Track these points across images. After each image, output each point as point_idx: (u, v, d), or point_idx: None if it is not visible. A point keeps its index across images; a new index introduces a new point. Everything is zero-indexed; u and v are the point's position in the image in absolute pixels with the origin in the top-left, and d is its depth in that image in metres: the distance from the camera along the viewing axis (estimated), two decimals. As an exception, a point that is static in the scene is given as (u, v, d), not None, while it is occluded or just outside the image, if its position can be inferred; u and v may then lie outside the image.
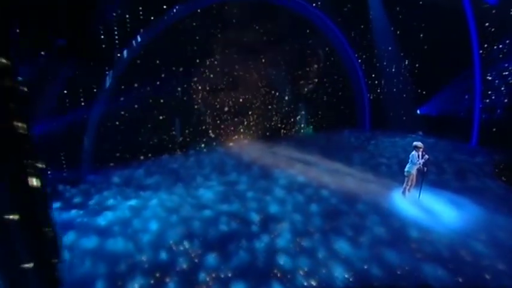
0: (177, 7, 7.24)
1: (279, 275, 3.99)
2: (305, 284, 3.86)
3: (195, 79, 8.65)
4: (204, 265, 4.22)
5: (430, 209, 5.90)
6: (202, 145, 9.42)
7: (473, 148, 10.58)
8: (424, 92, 12.22)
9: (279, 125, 11.02)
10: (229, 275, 3.96)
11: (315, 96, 11.82)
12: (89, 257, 4.31)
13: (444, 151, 10.01)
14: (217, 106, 9.32)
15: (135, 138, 7.96)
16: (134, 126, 7.89)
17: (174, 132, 8.76)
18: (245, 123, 10.02)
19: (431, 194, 6.50)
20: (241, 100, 9.65)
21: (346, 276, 3.99)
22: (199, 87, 8.86)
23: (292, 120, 11.48)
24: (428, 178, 7.32)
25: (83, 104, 6.70)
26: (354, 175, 7.55)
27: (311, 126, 12.07)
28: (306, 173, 7.45)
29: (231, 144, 9.75)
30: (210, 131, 9.34)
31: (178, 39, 7.79)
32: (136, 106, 7.64)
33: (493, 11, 8.93)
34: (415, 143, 6.25)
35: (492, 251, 4.56)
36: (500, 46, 9.99)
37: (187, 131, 8.93)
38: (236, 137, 9.86)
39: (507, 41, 9.82)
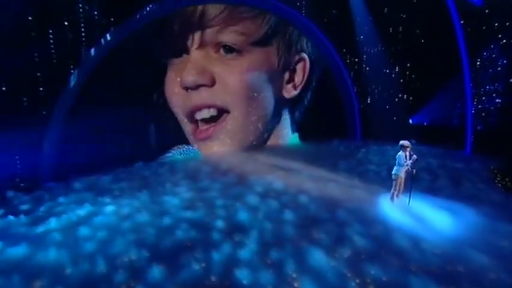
0: (150, 6, 7.01)
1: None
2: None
3: (168, 74, 8.17)
4: (145, 279, 3.52)
5: (420, 216, 5.21)
6: (179, 152, 8.96)
7: (468, 155, 10.08)
8: (414, 100, 11.99)
9: (263, 133, 10.53)
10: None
11: (301, 104, 11.45)
12: (10, 268, 3.66)
13: (437, 158, 9.39)
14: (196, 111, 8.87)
15: (105, 144, 7.45)
16: (104, 131, 7.41)
17: (149, 139, 8.32)
18: (226, 130, 9.54)
19: (423, 200, 5.83)
20: (220, 105, 9.06)
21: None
22: (174, 80, 8.29)
23: (277, 128, 11.04)
24: (421, 184, 6.78)
25: (44, 103, 6.25)
26: (338, 181, 6.89)
27: (296, 134, 11.60)
28: (285, 180, 6.78)
29: (210, 151, 9.18)
30: (188, 138, 8.88)
31: (152, 41, 7.51)
32: (107, 109, 7.20)
33: (480, 14, 8.74)
34: (401, 142, 5.60)
35: (491, 260, 3.90)
36: (489, 50, 9.79)
37: (163, 138, 8.48)
38: (216, 144, 9.21)
39: (495, 45, 9.65)
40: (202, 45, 8.45)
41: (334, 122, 12.51)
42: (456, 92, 11.00)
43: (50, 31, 6.10)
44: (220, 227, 4.70)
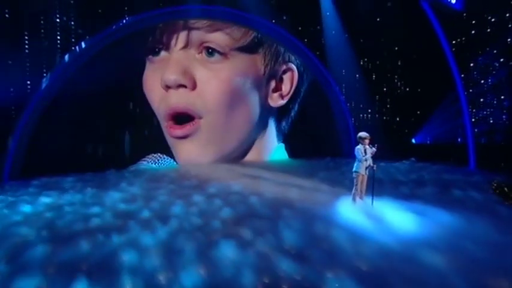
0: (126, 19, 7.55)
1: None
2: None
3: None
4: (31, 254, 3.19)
5: (378, 216, 4.50)
6: (153, 161, 8.88)
7: (470, 170, 9.15)
8: (413, 118, 11.43)
9: (246, 139, 10.02)
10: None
11: (288, 114, 11.15)
12: None
13: (434, 172, 8.59)
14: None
15: (76, 149, 7.59)
16: (75, 135, 7.59)
17: (123, 147, 8.38)
18: (201, 131, 8.96)
19: (393, 203, 5.16)
20: (196, 111, 8.79)
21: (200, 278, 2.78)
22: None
23: (262, 135, 10.55)
24: (402, 192, 6.13)
25: (13, 102, 6.59)
26: (303, 187, 6.34)
27: (282, 145, 11.10)
28: (246, 184, 6.34)
29: (186, 151, 8.81)
30: (161, 146, 8.85)
31: (130, 49, 7.89)
32: (80, 116, 7.47)
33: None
34: (359, 134, 5.08)
35: (447, 263, 3.15)
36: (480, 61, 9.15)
37: (137, 146, 8.49)
38: (192, 144, 8.78)
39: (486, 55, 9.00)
40: (186, 45, 8.50)
41: (327, 140, 12.11)
42: (455, 108, 10.47)
43: (26, 38, 6.73)
44: (143, 217, 4.35)
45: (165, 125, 8.68)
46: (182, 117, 8.69)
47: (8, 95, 6.56)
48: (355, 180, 5.08)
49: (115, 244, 3.41)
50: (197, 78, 8.66)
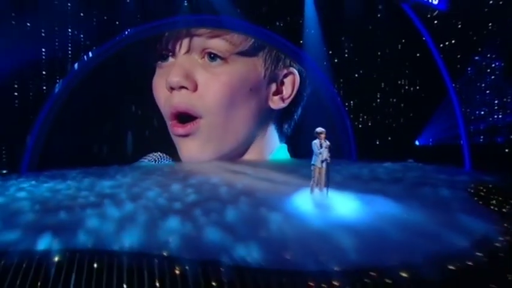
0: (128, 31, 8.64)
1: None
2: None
3: (150, 97, 9.37)
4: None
5: (322, 203, 5.00)
6: (154, 159, 9.80)
7: (463, 171, 9.12)
8: (416, 120, 11.45)
9: (245, 139, 10.55)
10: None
11: (291, 117, 11.61)
12: None
13: (422, 171, 8.73)
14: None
15: (84, 146, 8.70)
16: (85, 134, 8.67)
17: (126, 145, 9.39)
18: (201, 130, 9.63)
19: (350, 194, 5.55)
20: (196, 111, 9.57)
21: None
22: (154, 105, 9.43)
23: (262, 136, 10.86)
24: (370, 186, 6.46)
25: (31, 105, 7.83)
26: (274, 180, 6.93)
27: (285, 145, 11.53)
28: (226, 178, 7.02)
29: (189, 149, 9.58)
30: (163, 146, 9.74)
31: (135, 54, 8.85)
32: (88, 117, 8.57)
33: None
34: (316, 129, 5.54)
35: (360, 243, 3.48)
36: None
37: (139, 145, 9.43)
38: (194, 142, 9.51)
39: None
40: (189, 50, 9.34)
41: (330, 141, 12.37)
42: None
43: (43, 50, 7.99)
44: (119, 198, 5.17)
45: (170, 124, 9.55)
46: (184, 117, 9.48)
47: (28, 98, 7.86)
48: (312, 173, 5.57)
49: (86, 215, 4.24)
50: (198, 81, 9.43)
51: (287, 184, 6.50)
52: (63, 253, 3.16)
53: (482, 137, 9.96)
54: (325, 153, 5.48)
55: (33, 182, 6.45)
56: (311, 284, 2.69)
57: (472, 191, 6.59)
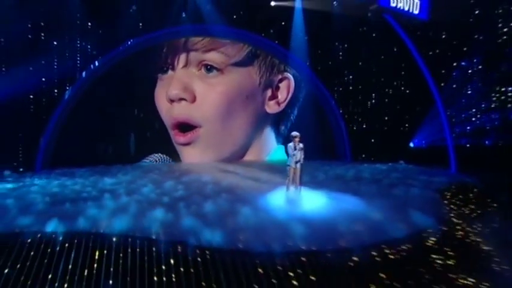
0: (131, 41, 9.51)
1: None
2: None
3: (151, 102, 10.32)
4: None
5: (294, 200, 5.69)
6: (155, 159, 10.65)
7: (447, 173, 9.60)
8: (406, 122, 11.90)
9: (243, 143, 11.43)
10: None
11: (287, 119, 12.20)
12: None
13: (405, 172, 9.27)
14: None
15: (91, 147, 9.64)
16: (92, 136, 9.62)
17: (129, 146, 10.30)
18: (202, 138, 10.59)
19: (322, 192, 6.20)
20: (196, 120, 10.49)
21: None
22: (155, 109, 10.39)
23: (259, 139, 11.66)
24: (348, 186, 7.12)
25: (44, 110, 8.80)
26: (260, 179, 7.67)
27: (282, 146, 12.11)
28: (216, 177, 7.80)
29: (190, 155, 10.54)
30: (163, 147, 10.59)
31: (138, 63, 9.72)
32: (95, 120, 9.51)
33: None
34: (291, 133, 6.19)
35: (309, 232, 4.17)
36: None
37: (141, 146, 10.36)
38: (195, 149, 10.46)
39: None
40: (186, 64, 10.24)
41: (323, 144, 12.97)
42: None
43: (55, 60, 8.94)
44: (117, 192, 6.01)
45: (172, 133, 10.57)
46: (185, 126, 10.49)
47: (41, 104, 8.84)
48: (287, 173, 6.23)
49: (87, 206, 5.09)
50: (196, 92, 10.36)
51: (268, 182, 7.21)
52: (66, 234, 4.00)
53: (468, 139, 10.40)
54: (298, 155, 6.14)
55: (44, 179, 7.41)
56: (257, 261, 3.40)
57: (443, 191, 7.15)
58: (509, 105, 9.04)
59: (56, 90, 9.06)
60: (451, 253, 4.20)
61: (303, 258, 3.46)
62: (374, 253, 3.88)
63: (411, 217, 4.86)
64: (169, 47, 10.18)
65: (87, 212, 4.77)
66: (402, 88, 12.05)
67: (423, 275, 3.76)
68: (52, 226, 4.15)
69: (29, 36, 8.56)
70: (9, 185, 6.96)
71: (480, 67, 9.16)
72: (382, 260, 3.85)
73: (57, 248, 3.81)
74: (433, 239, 4.42)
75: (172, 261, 3.59)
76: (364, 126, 12.79)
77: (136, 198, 5.65)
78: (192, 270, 3.42)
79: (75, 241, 3.91)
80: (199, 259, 3.53)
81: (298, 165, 6.26)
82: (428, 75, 9.41)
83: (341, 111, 12.55)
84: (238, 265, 3.51)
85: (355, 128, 12.78)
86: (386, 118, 12.59)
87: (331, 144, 12.67)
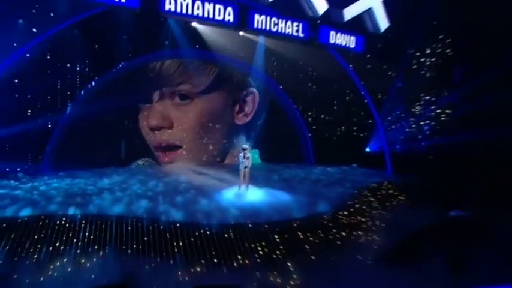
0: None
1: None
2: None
3: (139, 115, 12.66)
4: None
5: (240, 195, 8.11)
6: (143, 163, 12.89)
7: (381, 174, 12.09)
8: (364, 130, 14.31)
9: (219, 153, 13.88)
10: None
11: (255, 127, 14.52)
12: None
13: (346, 174, 11.78)
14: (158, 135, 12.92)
15: (89, 153, 11.82)
16: (90, 144, 11.83)
17: (120, 151, 12.55)
18: (183, 155, 13.19)
19: (266, 190, 8.59)
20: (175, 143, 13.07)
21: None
22: (143, 121, 12.73)
23: (233, 148, 14.05)
24: (290, 184, 9.62)
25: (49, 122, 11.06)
26: (224, 179, 10.05)
27: (257, 150, 14.47)
28: (190, 177, 10.20)
29: (167, 165, 12.92)
30: (149, 153, 12.87)
31: (127, 82, 11.99)
32: (92, 130, 11.71)
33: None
34: (242, 146, 8.70)
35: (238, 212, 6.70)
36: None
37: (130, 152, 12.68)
38: (179, 165, 12.88)
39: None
40: (162, 97, 12.67)
41: (290, 148, 15.37)
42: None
43: (58, 81, 11.11)
44: (112, 189, 8.40)
45: (156, 155, 13.10)
46: (167, 148, 13.06)
47: (47, 117, 11.01)
48: (240, 175, 8.63)
49: (92, 198, 7.43)
50: (173, 119, 12.95)
51: (229, 182, 9.58)
52: (82, 216, 6.34)
53: (402, 146, 12.94)
54: (246, 162, 8.58)
55: (54, 180, 9.61)
56: (203, 230, 5.75)
57: (363, 187, 9.60)
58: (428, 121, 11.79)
59: (59, 107, 11.28)
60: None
61: (231, 230, 5.96)
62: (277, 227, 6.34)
63: (316, 206, 7.36)
64: (147, 83, 12.48)
65: (93, 202, 7.16)
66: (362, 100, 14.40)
67: (311, 239, 6.23)
68: (72, 211, 6.53)
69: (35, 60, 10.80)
70: (28, 185, 9.16)
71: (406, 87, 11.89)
72: (283, 229, 6.32)
73: (77, 224, 6.16)
74: (323, 218, 6.93)
75: (152, 231, 5.97)
76: (326, 135, 15.24)
77: (128, 193, 8.07)
78: (166, 235, 5.82)
79: (88, 219, 6.28)
80: (169, 229, 5.95)
81: (247, 169, 8.64)
82: (367, 95, 11.97)
83: (305, 120, 15.01)
84: (193, 233, 5.92)
85: (318, 135, 15.25)
86: (345, 127, 15.13)
87: (297, 149, 15.12)
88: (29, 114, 10.77)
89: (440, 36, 11.98)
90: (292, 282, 4.96)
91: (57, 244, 5.70)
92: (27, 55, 10.03)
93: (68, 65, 11.21)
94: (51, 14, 9.94)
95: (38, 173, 10.89)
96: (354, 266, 5.41)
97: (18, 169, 10.30)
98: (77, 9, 9.82)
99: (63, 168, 11.03)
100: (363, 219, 7.35)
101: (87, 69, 11.55)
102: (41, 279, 4.94)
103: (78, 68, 11.47)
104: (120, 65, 11.93)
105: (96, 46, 11.28)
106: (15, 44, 9.53)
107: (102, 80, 11.74)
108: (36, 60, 10.44)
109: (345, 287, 4.63)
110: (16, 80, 10.21)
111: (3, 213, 6.37)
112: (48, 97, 11.15)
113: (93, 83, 11.63)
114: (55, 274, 5.05)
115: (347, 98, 13.44)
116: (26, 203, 6.98)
